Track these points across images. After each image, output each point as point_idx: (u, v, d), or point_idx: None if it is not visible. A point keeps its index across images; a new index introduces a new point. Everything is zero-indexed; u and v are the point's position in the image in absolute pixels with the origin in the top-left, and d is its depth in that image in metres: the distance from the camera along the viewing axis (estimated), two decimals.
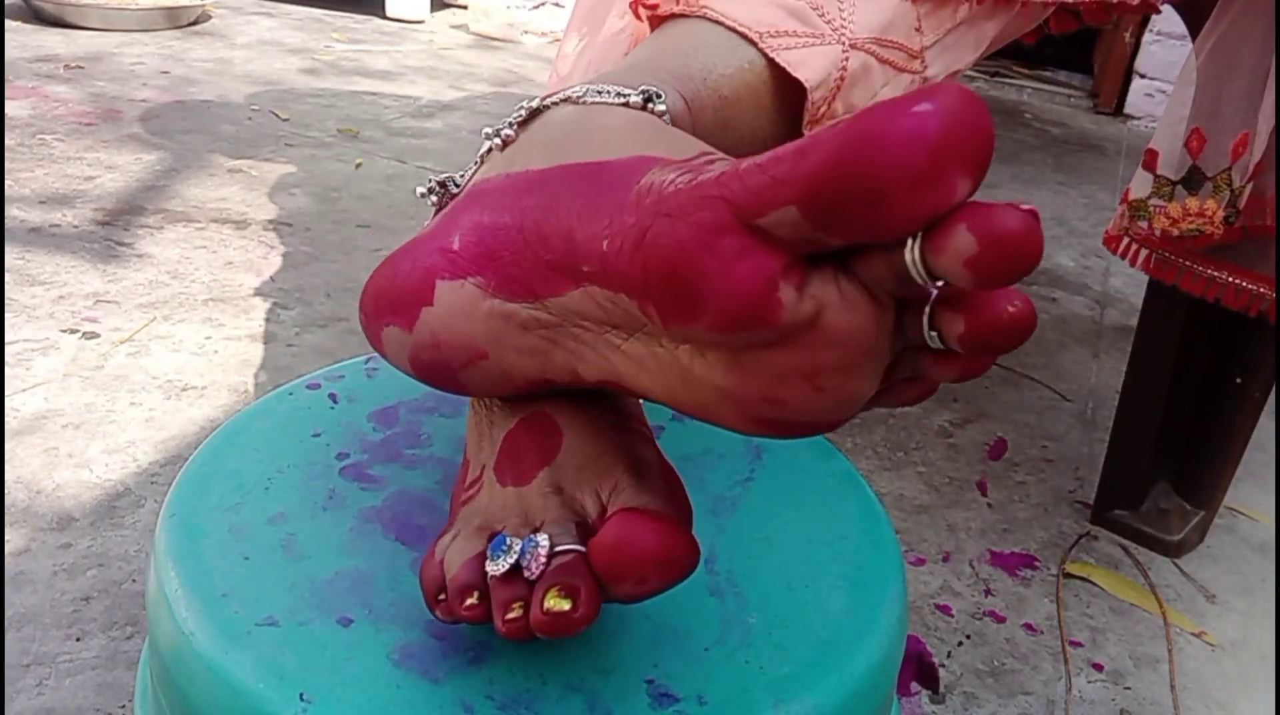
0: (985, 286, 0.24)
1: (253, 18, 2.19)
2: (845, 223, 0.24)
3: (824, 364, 0.27)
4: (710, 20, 0.42)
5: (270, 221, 1.18)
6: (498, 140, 0.36)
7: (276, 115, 1.56)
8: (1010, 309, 0.25)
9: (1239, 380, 0.75)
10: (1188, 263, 0.68)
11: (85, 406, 0.79)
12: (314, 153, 1.42)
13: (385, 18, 2.36)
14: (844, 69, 0.44)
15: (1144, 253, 0.70)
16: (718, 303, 0.26)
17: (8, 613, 0.59)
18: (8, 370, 0.82)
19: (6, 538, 0.65)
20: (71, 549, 0.64)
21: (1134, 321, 0.79)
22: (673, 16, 0.44)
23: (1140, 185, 0.68)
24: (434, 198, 0.38)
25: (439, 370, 0.35)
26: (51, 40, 1.79)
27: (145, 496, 0.70)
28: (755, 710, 0.33)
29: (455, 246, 0.34)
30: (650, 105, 0.36)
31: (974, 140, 0.23)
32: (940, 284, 0.25)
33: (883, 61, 0.45)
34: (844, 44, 0.44)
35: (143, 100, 1.54)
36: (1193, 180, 0.65)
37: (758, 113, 0.43)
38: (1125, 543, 0.80)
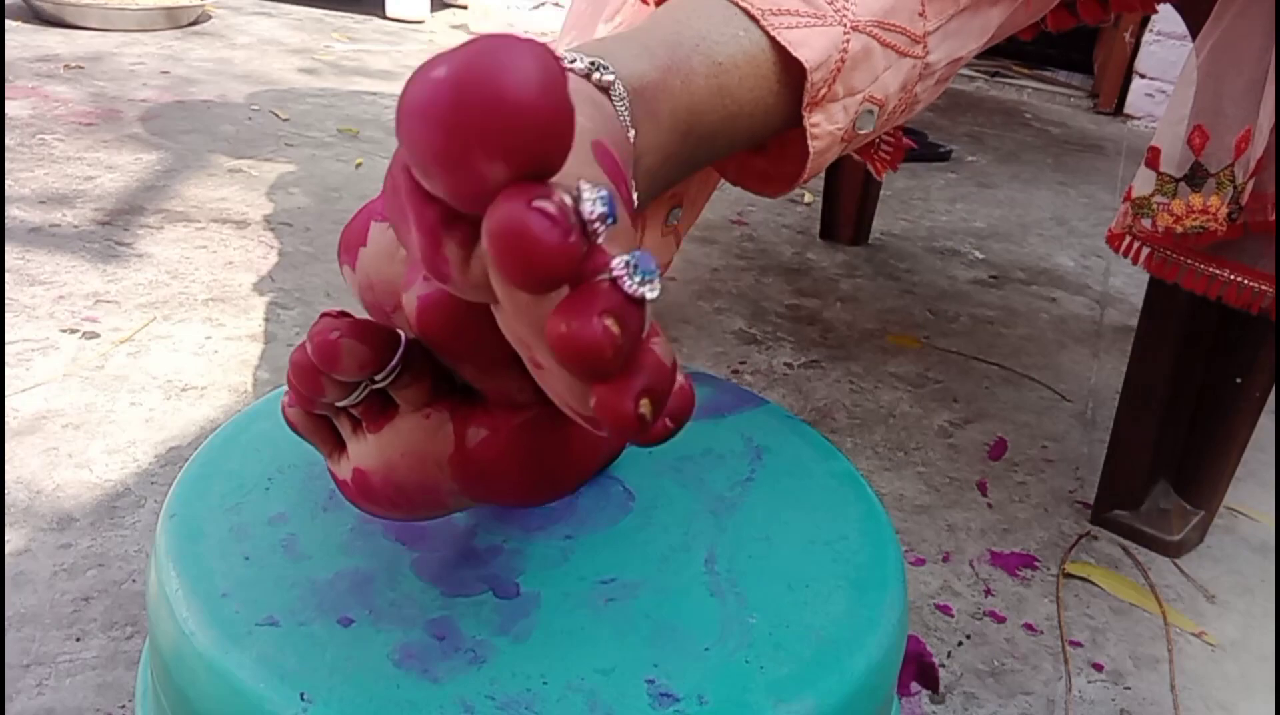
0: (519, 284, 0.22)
1: (253, 18, 2.19)
2: (431, 185, 0.22)
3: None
4: None
5: (270, 221, 1.18)
6: None
7: (276, 115, 1.56)
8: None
9: (1239, 380, 0.75)
10: (1189, 261, 0.68)
11: (85, 406, 0.79)
12: (314, 153, 1.42)
13: (385, 18, 2.36)
14: (845, 51, 0.43)
15: (1146, 251, 0.70)
16: (413, 251, 0.26)
17: (8, 613, 0.59)
18: (8, 370, 0.82)
19: (6, 538, 0.65)
20: (71, 549, 0.64)
21: (1134, 321, 0.79)
22: None
23: (1143, 183, 0.68)
24: None
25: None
26: (51, 40, 1.79)
27: (145, 496, 0.70)
28: (755, 710, 0.33)
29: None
30: (596, 75, 0.36)
31: (500, 114, 0.19)
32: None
33: (885, 45, 0.45)
34: (845, 25, 0.43)
35: (143, 100, 1.54)
36: (1195, 177, 0.65)
37: (758, 81, 0.42)
38: (1125, 543, 0.80)
